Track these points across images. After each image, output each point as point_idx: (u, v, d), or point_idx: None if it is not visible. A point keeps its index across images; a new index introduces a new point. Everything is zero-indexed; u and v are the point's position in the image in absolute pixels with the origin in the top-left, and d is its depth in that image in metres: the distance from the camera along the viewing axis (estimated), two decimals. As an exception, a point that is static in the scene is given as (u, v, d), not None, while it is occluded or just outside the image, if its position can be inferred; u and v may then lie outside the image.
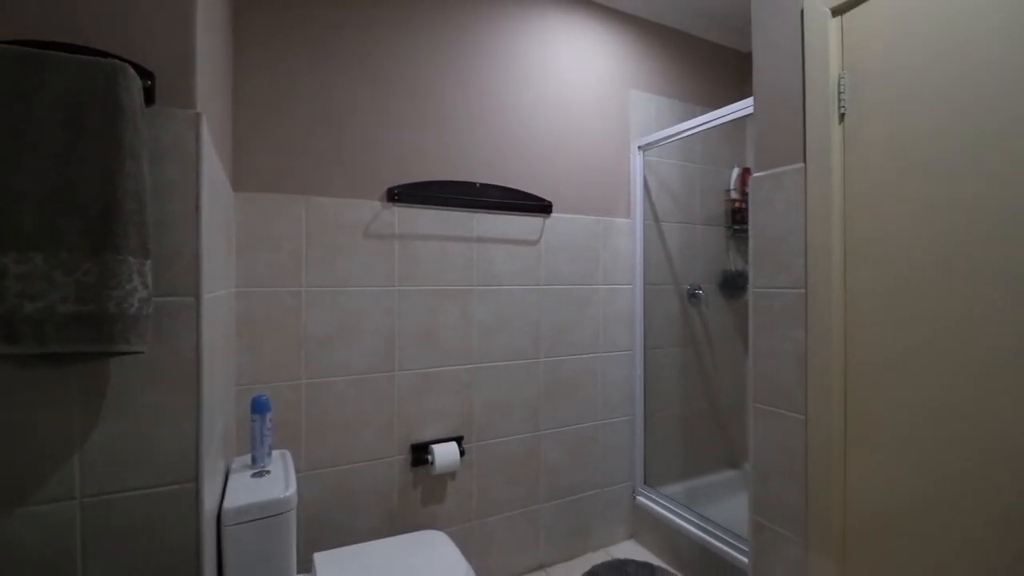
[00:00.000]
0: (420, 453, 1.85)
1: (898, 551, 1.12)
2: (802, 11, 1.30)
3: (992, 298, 0.97)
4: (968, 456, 1.01)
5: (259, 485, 1.24)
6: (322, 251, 1.71)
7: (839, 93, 1.22)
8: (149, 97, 0.85)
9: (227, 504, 1.13)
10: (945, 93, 1.04)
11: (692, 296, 2.54)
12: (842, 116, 1.22)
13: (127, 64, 0.79)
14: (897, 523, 1.12)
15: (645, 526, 2.30)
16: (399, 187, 1.81)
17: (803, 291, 1.30)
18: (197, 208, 0.89)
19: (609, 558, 2.19)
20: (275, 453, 1.47)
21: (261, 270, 1.62)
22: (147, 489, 0.86)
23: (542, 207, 2.12)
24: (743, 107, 1.78)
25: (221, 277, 1.22)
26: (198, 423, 0.89)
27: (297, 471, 1.66)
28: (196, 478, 0.89)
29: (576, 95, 2.24)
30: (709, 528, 1.96)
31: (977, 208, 0.99)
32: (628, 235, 2.37)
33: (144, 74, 0.83)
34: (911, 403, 1.10)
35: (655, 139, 2.27)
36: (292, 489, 1.21)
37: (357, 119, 1.77)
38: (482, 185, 1.99)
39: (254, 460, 1.36)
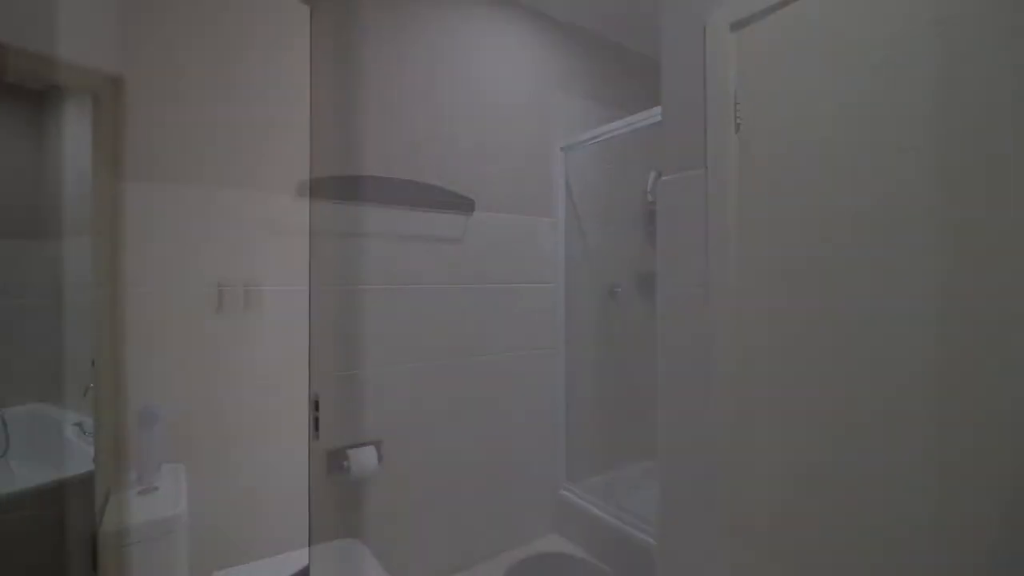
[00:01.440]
0: (336, 460, 1.78)
1: (794, 530, 1.22)
2: (705, 27, 1.37)
3: (858, 301, 1.08)
4: (847, 443, 1.11)
5: (144, 503, 1.13)
6: (225, 247, 1.59)
7: (735, 105, 1.30)
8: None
9: (105, 527, 1.03)
10: (829, 112, 1.13)
11: (612, 295, 2.63)
12: (738, 127, 1.31)
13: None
14: (792, 506, 1.22)
15: (568, 519, 2.36)
16: (312, 181, 1.73)
17: (705, 291, 1.38)
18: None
19: (533, 553, 2.23)
20: (166, 467, 1.35)
21: (154, 267, 1.49)
22: (-2, 517, 0.76)
23: (464, 205, 2.10)
24: (657, 114, 1.86)
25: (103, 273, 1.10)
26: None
27: (197, 485, 1.54)
28: (61, 500, 0.80)
29: (499, 95, 2.24)
30: (625, 517, 2.05)
31: (858, 220, 1.09)
32: (550, 234, 2.41)
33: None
34: (795, 393, 1.19)
35: (577, 141, 2.32)
36: (182, 506, 1.12)
37: (266, 109, 1.67)
38: (402, 181, 1.94)
39: (140, 476, 1.25)
